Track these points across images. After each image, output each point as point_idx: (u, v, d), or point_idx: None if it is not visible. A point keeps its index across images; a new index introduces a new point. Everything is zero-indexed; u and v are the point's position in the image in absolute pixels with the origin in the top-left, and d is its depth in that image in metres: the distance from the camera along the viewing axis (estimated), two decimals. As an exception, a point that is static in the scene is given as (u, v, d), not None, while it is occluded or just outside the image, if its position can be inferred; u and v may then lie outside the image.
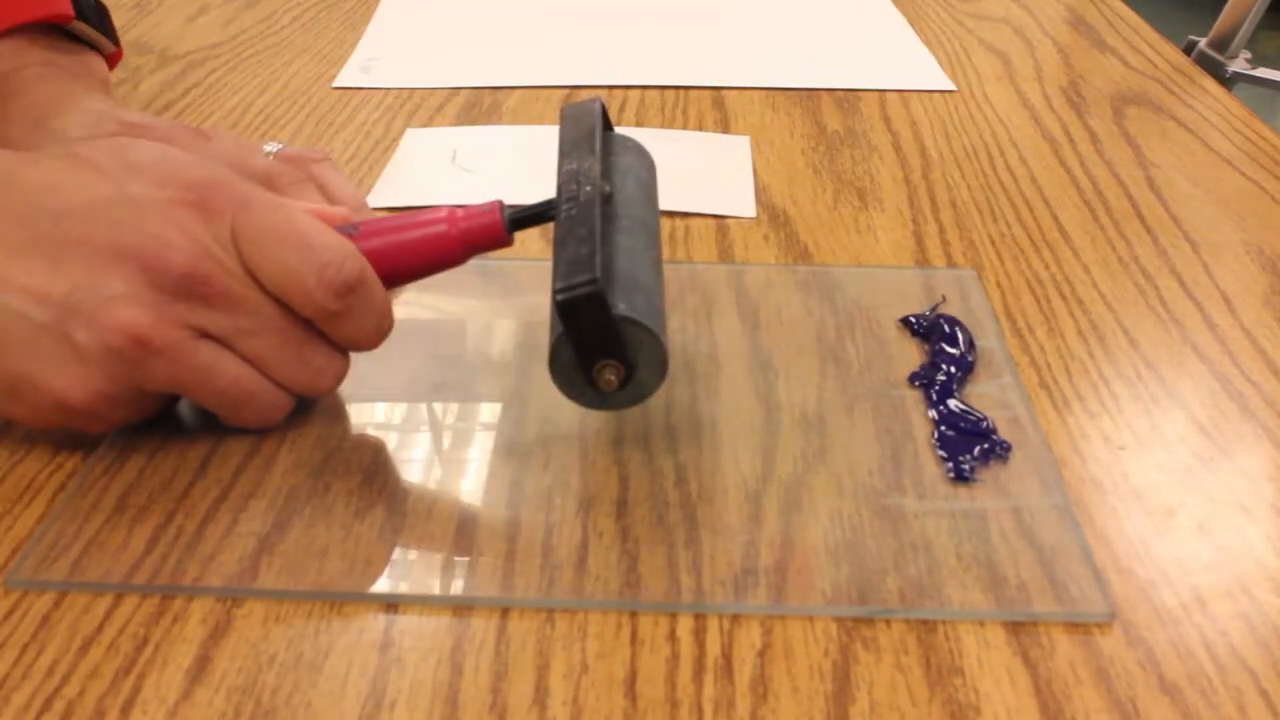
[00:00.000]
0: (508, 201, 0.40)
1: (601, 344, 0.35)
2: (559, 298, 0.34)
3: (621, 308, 0.35)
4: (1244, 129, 0.66)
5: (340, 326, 0.37)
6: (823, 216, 0.55)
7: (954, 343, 0.44)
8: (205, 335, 0.36)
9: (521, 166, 0.61)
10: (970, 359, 0.44)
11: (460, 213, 0.39)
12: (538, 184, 0.58)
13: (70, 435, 0.39)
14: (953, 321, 0.45)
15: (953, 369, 0.43)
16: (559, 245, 0.36)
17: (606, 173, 0.40)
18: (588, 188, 0.37)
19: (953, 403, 0.41)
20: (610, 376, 0.36)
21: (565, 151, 0.39)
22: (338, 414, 0.41)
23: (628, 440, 0.40)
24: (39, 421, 0.37)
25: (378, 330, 0.38)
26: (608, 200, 0.38)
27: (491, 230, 0.39)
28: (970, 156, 0.62)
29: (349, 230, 0.39)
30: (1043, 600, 0.34)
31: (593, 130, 0.40)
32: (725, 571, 0.34)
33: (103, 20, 0.57)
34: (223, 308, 0.36)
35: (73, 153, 0.37)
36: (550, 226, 0.50)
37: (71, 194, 0.35)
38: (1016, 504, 0.37)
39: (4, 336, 0.35)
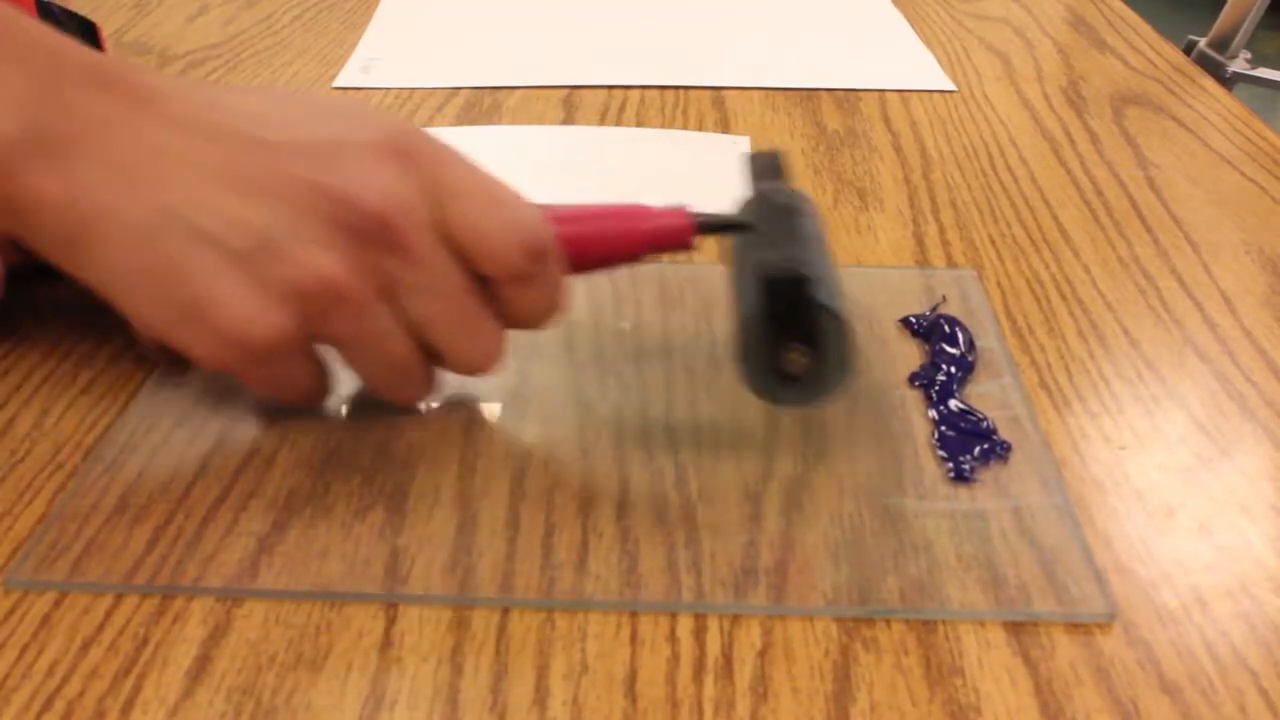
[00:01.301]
0: None
1: (796, 327, 0.36)
2: (765, 273, 0.35)
3: (822, 296, 0.36)
4: (1244, 129, 0.66)
5: (522, 293, 0.37)
6: (823, 216, 0.55)
7: (954, 343, 0.44)
8: (387, 294, 0.35)
9: (522, 167, 0.61)
10: (970, 359, 0.44)
11: (649, 211, 0.39)
12: (538, 184, 0.58)
13: (70, 435, 0.39)
14: (953, 321, 0.45)
15: (953, 369, 0.43)
16: (759, 240, 0.37)
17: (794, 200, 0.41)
18: (781, 200, 0.38)
19: (953, 403, 0.41)
20: (799, 357, 0.36)
21: (753, 180, 0.41)
22: (338, 414, 0.41)
23: (628, 440, 0.40)
24: (207, 352, 0.35)
25: (554, 305, 0.38)
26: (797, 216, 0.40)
27: (679, 233, 0.39)
28: (970, 156, 0.62)
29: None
30: (1043, 600, 0.34)
31: (779, 167, 0.42)
32: (725, 571, 0.34)
33: (88, 35, 0.56)
34: (409, 260, 0.35)
35: (275, 90, 0.37)
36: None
37: (277, 126, 0.35)
38: (1017, 504, 0.37)
39: (194, 259, 0.34)
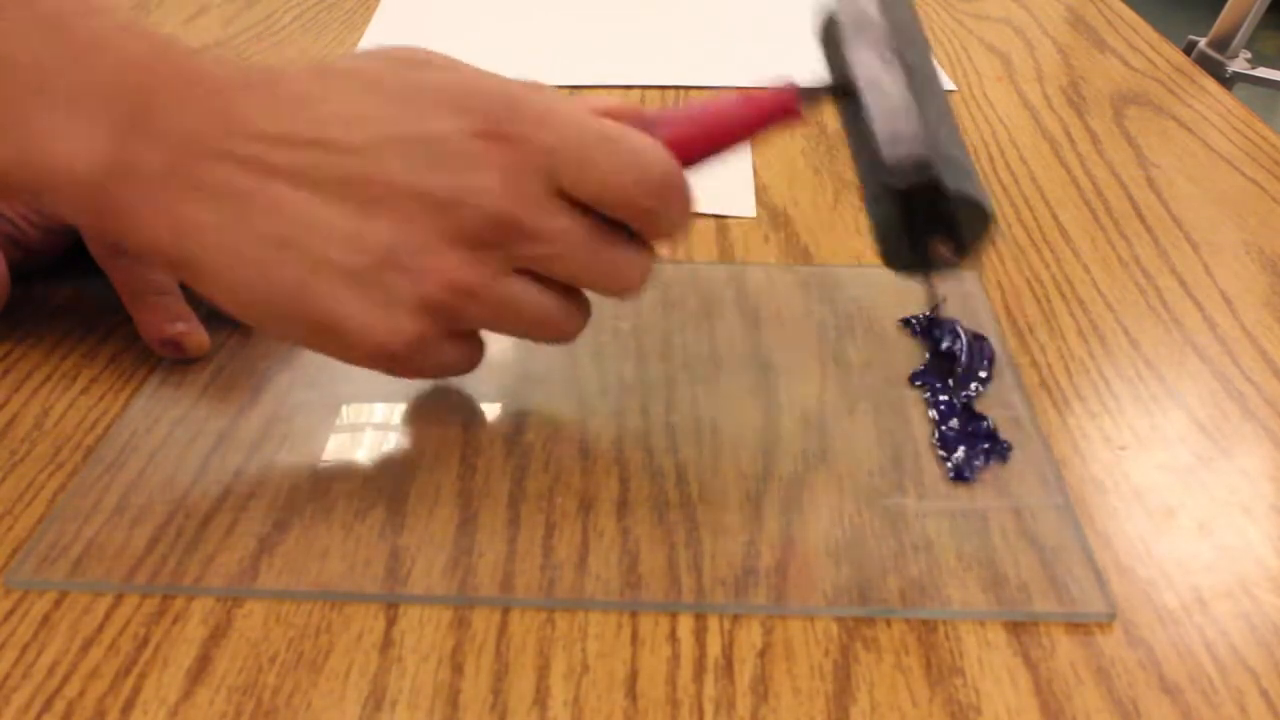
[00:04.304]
0: None
1: (934, 224, 0.35)
2: (896, 184, 0.34)
3: (952, 183, 0.34)
4: (1244, 129, 0.66)
5: (655, 223, 0.36)
6: (823, 216, 0.55)
7: (955, 343, 0.44)
8: (518, 267, 0.35)
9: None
10: (970, 359, 0.44)
11: (752, 97, 0.37)
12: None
13: (70, 435, 0.39)
14: (953, 322, 0.45)
15: (953, 369, 0.43)
16: (876, 120, 0.35)
17: (903, 40, 0.38)
18: (890, 59, 0.36)
19: (953, 403, 0.41)
20: (941, 248, 0.35)
21: (854, 31, 0.37)
22: (338, 414, 0.41)
23: (628, 440, 0.40)
24: (352, 361, 0.35)
25: (686, 220, 0.37)
26: (907, 66, 0.37)
27: (785, 106, 0.37)
28: (970, 156, 0.62)
29: (645, 124, 0.37)
30: (1043, 600, 0.34)
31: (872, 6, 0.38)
32: (726, 571, 0.34)
33: None
34: (533, 241, 0.34)
35: (363, 75, 0.35)
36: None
37: (371, 129, 0.34)
38: (1017, 504, 0.37)
39: (315, 284, 0.34)
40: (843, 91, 0.38)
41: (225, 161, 0.33)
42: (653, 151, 0.35)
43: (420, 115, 0.34)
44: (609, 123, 0.35)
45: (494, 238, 0.34)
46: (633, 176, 0.34)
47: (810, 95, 0.38)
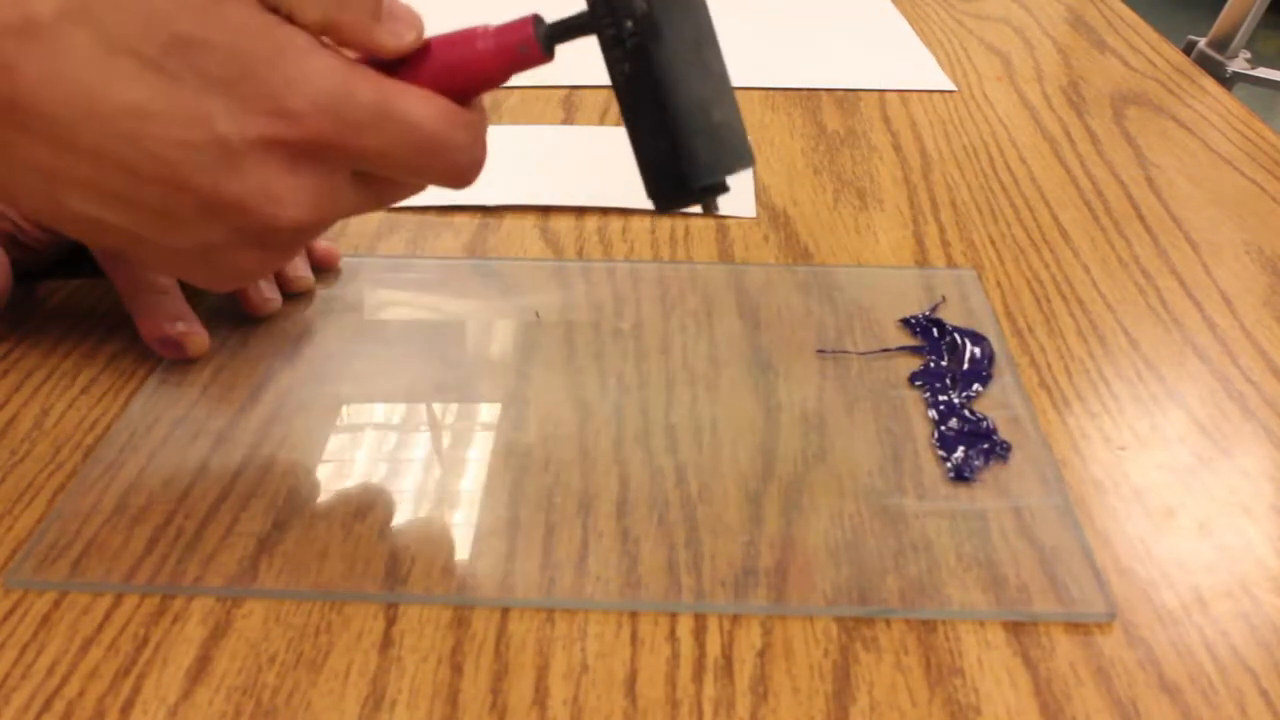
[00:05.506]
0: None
1: (709, 198, 0.34)
2: (661, 206, 0.34)
3: (719, 176, 0.34)
4: (1244, 129, 0.66)
5: (439, 175, 0.34)
6: (823, 217, 0.55)
7: (954, 343, 0.44)
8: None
9: (524, 166, 0.61)
10: (971, 359, 0.44)
11: (485, 31, 0.34)
12: (542, 184, 0.58)
13: (70, 435, 0.39)
14: (951, 325, 0.45)
15: (953, 369, 0.43)
16: (681, 115, 0.33)
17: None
18: (628, 23, 0.33)
19: (953, 402, 0.41)
20: (711, 202, 0.34)
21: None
22: (338, 414, 0.41)
23: (628, 440, 0.40)
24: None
25: (474, 160, 0.35)
26: (651, 28, 0.33)
27: (515, 50, 0.34)
28: (970, 156, 0.62)
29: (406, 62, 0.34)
30: (1043, 600, 0.34)
31: None
32: (725, 571, 0.34)
33: None
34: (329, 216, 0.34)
35: (141, 57, 0.32)
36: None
37: (159, 133, 0.32)
38: (1017, 504, 0.37)
39: (138, 250, 0.34)
40: (591, 28, 0.34)
41: (22, 132, 0.32)
42: (424, 112, 0.33)
43: (210, 119, 0.32)
44: (373, 87, 0.33)
45: (293, 239, 0.34)
46: (410, 145, 0.33)
47: (553, 33, 0.34)
